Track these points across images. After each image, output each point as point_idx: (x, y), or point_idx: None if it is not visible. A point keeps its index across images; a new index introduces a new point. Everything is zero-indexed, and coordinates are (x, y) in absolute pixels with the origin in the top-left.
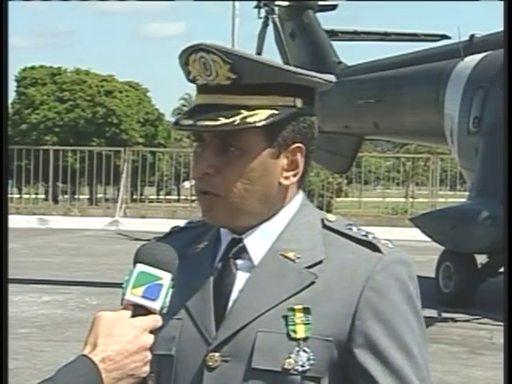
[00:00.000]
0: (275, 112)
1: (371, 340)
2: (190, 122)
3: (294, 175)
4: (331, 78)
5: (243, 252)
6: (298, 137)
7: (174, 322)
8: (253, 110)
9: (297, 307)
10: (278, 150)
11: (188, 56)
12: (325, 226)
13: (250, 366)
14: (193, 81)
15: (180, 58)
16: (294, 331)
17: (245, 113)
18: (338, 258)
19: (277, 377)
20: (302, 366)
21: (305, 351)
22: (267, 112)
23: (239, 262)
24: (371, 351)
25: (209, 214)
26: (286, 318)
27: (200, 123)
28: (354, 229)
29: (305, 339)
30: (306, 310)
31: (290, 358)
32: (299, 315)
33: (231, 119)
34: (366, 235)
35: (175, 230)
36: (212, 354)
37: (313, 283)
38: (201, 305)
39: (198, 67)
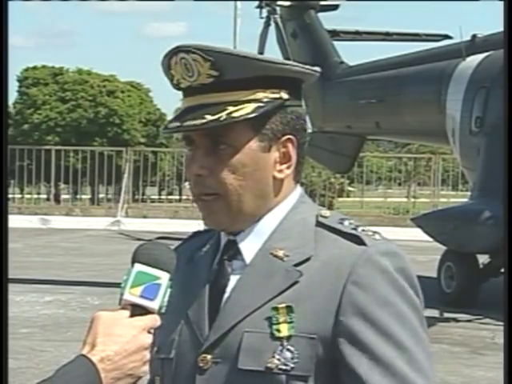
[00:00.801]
0: (261, 105)
1: (357, 336)
2: (177, 124)
3: (288, 168)
4: (315, 68)
5: (238, 253)
6: (287, 129)
7: (175, 326)
8: (238, 105)
9: (280, 306)
10: (268, 143)
11: (169, 60)
12: (318, 223)
13: (236, 366)
14: (177, 85)
15: (163, 64)
16: (278, 330)
17: (230, 108)
18: (325, 254)
19: (262, 377)
20: (286, 364)
21: (289, 350)
22: (253, 105)
23: (234, 263)
24: (358, 348)
25: (209, 218)
26: (270, 317)
27: (186, 123)
28: (346, 223)
29: (288, 338)
30: (289, 309)
31: (273, 357)
32: (282, 314)
33: (217, 116)
34: (355, 228)
35: (196, 234)
36: (203, 355)
37: (298, 281)
38: (197, 308)
39: (180, 69)
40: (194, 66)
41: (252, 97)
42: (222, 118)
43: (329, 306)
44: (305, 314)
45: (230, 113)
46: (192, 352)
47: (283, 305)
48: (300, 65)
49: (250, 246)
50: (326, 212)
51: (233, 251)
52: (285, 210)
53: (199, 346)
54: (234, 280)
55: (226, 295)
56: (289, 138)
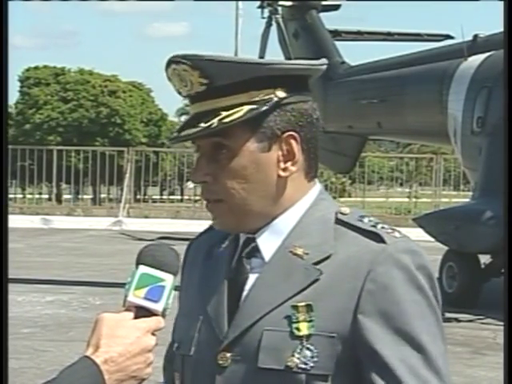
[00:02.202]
0: (254, 107)
1: (375, 336)
2: (176, 134)
3: (293, 164)
4: (317, 62)
5: (256, 251)
6: (287, 126)
7: (194, 322)
8: (231, 109)
9: (300, 304)
10: (268, 143)
11: (166, 71)
12: (337, 220)
13: (256, 365)
14: (180, 95)
15: (166, 75)
16: (298, 329)
17: (223, 114)
18: (344, 252)
19: (282, 376)
20: (306, 363)
21: (308, 349)
22: (246, 108)
23: (253, 260)
24: (376, 347)
25: (217, 222)
26: (289, 316)
27: (183, 133)
28: (366, 220)
29: (308, 337)
30: (309, 307)
31: (293, 356)
32: (302, 312)
33: (209, 123)
34: (374, 226)
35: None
36: (223, 353)
37: (318, 279)
38: (216, 305)
39: (176, 80)
40: (185, 76)
41: (246, 99)
42: (213, 125)
43: (348, 305)
44: (324, 312)
45: (222, 118)
46: (211, 350)
47: (303, 303)
48: (294, 62)
49: (268, 244)
50: (345, 209)
51: (251, 249)
52: (303, 208)
53: (219, 343)
54: (252, 278)
55: (245, 293)
56: (290, 135)
